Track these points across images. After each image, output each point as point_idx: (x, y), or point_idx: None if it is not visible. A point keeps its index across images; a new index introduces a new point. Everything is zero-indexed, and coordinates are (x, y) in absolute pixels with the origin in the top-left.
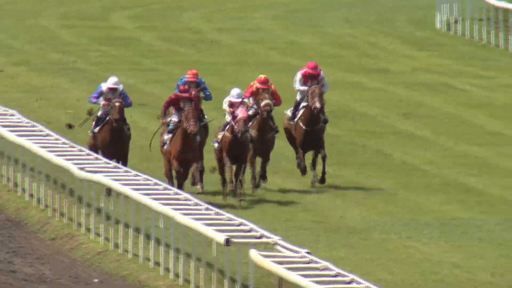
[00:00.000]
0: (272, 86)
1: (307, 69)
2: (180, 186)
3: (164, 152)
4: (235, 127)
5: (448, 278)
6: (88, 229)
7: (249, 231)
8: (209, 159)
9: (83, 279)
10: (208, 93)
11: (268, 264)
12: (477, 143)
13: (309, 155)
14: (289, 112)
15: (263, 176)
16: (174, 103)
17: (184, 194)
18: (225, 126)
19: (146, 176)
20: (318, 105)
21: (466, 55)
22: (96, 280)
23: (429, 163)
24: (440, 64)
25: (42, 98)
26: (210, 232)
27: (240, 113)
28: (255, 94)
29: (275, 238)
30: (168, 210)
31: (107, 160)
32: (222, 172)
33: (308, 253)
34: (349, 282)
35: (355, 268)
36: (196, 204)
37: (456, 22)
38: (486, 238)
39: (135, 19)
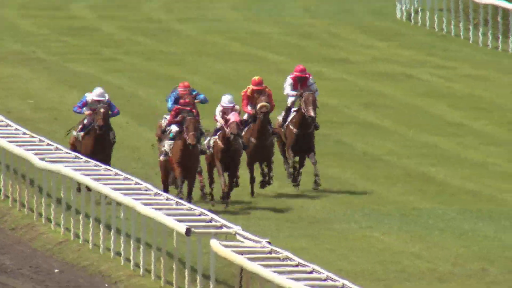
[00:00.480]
0: (267, 89)
1: (296, 73)
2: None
3: (162, 163)
4: (227, 130)
5: (408, 268)
6: (48, 219)
7: (210, 221)
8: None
9: (44, 269)
10: (202, 97)
11: (229, 254)
12: (438, 133)
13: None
14: (280, 118)
15: (268, 181)
16: (176, 116)
17: (144, 184)
18: (216, 131)
19: (106, 167)
20: (312, 113)
21: (426, 45)
22: (57, 270)
23: (390, 153)
24: (401, 54)
25: (2, 88)
26: (170, 222)
27: (232, 117)
28: (251, 98)
29: (236, 228)
30: (129, 200)
31: (68, 150)
32: (210, 171)
33: (269, 243)
34: (310, 272)
35: (316, 258)
36: (157, 194)
37: (416, 12)
38: (447, 228)
39: (96, 9)
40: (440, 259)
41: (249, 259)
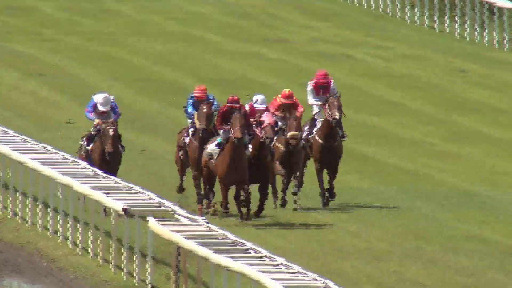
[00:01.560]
0: (297, 101)
1: (317, 79)
2: (227, 206)
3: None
4: (262, 133)
5: (346, 247)
6: None
7: (147, 199)
8: None
9: None
10: (216, 104)
11: (166, 232)
12: (376, 113)
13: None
14: (304, 129)
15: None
16: (225, 116)
17: (82, 164)
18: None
19: (44, 146)
20: (337, 115)
21: (364, 25)
22: None
23: None
24: (339, 34)
25: None
26: (108, 201)
27: (266, 119)
28: (280, 108)
29: (173, 207)
30: (66, 179)
31: (6, 129)
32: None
33: (206, 221)
34: (247, 250)
35: (253, 237)
36: (95, 173)
37: None
38: (384, 208)
39: None
40: (377, 238)
41: (186, 237)
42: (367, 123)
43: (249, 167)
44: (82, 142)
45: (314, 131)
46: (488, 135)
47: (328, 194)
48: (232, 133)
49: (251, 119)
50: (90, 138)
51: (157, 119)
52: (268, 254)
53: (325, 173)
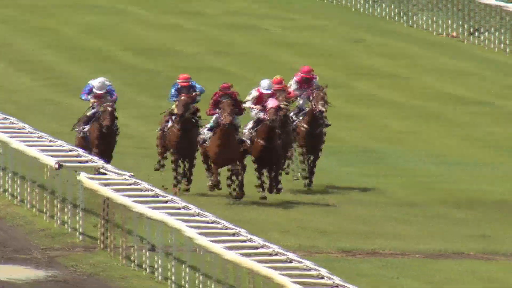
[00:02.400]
0: (286, 86)
1: (302, 74)
2: (217, 183)
3: (203, 147)
4: (266, 116)
5: (256, 198)
6: None
7: (78, 156)
8: None
9: None
10: (199, 87)
11: (95, 185)
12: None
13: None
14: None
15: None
16: (217, 102)
17: (20, 123)
18: (257, 123)
19: None
20: (321, 108)
21: None
22: None
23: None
24: (248, 7)
25: None
26: (43, 157)
27: (271, 102)
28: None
29: (102, 163)
30: (4, 138)
31: None
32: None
33: (131, 176)
34: (167, 202)
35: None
36: (31, 132)
37: None
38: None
39: None
40: (287, 190)
41: (112, 190)
42: None
43: (261, 152)
44: (78, 128)
45: (299, 119)
46: (384, 98)
47: (309, 173)
48: (222, 118)
49: (259, 106)
50: (87, 120)
51: (85, 83)
52: (187, 205)
53: None
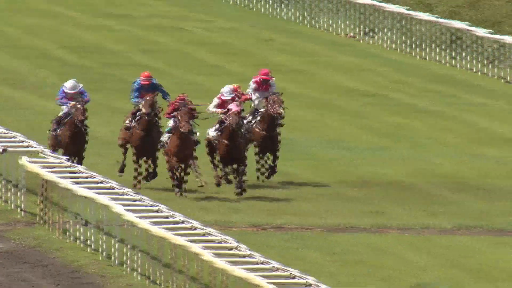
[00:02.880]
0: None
1: (260, 76)
2: (179, 182)
3: (166, 151)
4: (228, 120)
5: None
6: None
7: (20, 142)
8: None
9: None
10: (165, 93)
11: (35, 168)
12: (200, 73)
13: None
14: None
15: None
16: (174, 109)
17: None
18: (220, 124)
19: None
20: (280, 110)
21: (190, 3)
22: None
23: None
24: (170, 10)
25: None
26: None
27: (233, 106)
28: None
29: (41, 148)
30: None
31: None
32: (213, 163)
33: (67, 159)
34: (98, 182)
35: (114, 177)
36: None
37: None
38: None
39: None
40: (207, 174)
41: (50, 172)
42: (192, 81)
43: (226, 151)
44: (51, 129)
45: (255, 122)
46: (291, 91)
47: (271, 170)
48: (180, 127)
49: (221, 110)
50: (59, 121)
51: (26, 78)
52: (116, 185)
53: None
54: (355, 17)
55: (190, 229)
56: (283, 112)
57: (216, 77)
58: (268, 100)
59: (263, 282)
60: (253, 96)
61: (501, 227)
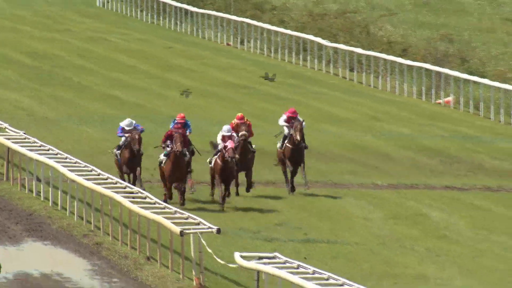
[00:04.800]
0: (247, 121)
1: (289, 114)
2: (170, 194)
3: (161, 168)
4: (226, 154)
5: None
6: None
7: None
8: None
9: None
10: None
11: (1, 139)
12: (121, 71)
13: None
14: (278, 144)
15: (250, 185)
16: (170, 136)
17: None
18: (217, 153)
19: None
20: (298, 138)
21: (114, 21)
22: None
23: (63, 85)
24: (100, 26)
25: None
26: None
27: (229, 144)
28: (235, 127)
29: (6, 125)
30: None
31: None
32: (212, 182)
33: (24, 133)
34: (48, 150)
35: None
36: None
37: (108, 1)
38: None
39: None
40: None
41: (13, 142)
42: (117, 78)
43: (221, 173)
44: (115, 151)
45: (285, 143)
46: (186, 85)
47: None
48: (175, 148)
49: (222, 143)
50: (119, 147)
51: None
52: (59, 152)
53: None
54: (231, 30)
55: (115, 183)
56: (299, 138)
57: (133, 75)
58: (293, 127)
59: (166, 222)
60: (284, 127)
61: (337, 182)
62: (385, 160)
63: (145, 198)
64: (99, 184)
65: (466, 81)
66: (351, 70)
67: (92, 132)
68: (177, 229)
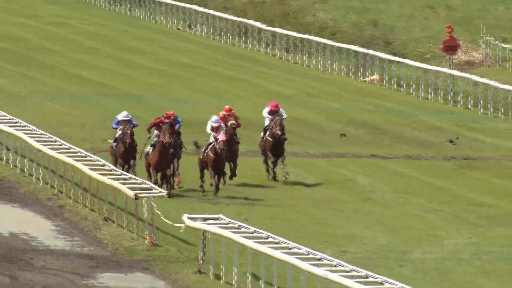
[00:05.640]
0: (234, 113)
1: (271, 107)
2: (157, 182)
3: (147, 159)
4: (217, 146)
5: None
6: None
7: None
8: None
9: None
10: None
11: None
12: (81, 53)
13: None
14: (261, 135)
15: (234, 174)
16: (157, 125)
17: None
18: (208, 145)
19: None
20: (278, 132)
21: (77, 7)
22: None
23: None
24: (64, 13)
25: None
26: None
27: (220, 136)
28: (223, 119)
29: None
30: None
31: None
32: (201, 174)
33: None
34: (16, 122)
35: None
36: None
37: None
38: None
39: None
40: None
41: None
42: (77, 58)
43: (214, 165)
44: (111, 142)
45: (266, 135)
46: (144, 65)
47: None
48: (163, 138)
49: (214, 133)
50: (115, 139)
51: None
52: (27, 124)
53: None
54: (180, 16)
55: (76, 152)
56: (279, 134)
57: (93, 55)
58: (273, 122)
59: (122, 187)
60: (266, 119)
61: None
62: (318, 131)
63: (103, 165)
64: (62, 153)
65: (390, 61)
66: (287, 51)
67: (57, 107)
68: (131, 193)
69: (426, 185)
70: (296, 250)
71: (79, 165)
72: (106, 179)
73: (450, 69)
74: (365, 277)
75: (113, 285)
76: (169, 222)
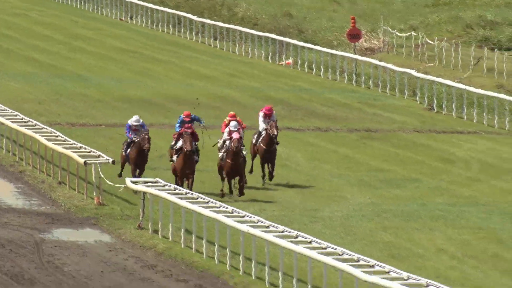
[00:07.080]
0: (238, 118)
1: (265, 111)
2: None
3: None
4: (232, 145)
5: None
6: None
7: None
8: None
9: None
10: (197, 118)
11: None
12: (37, 40)
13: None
14: (253, 139)
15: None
16: (180, 135)
17: None
18: (226, 150)
19: None
20: (275, 132)
21: (34, 1)
22: None
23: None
24: (22, 5)
25: None
26: None
27: (235, 135)
28: (228, 124)
29: None
30: None
31: None
32: (222, 176)
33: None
34: (12, 113)
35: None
36: None
37: None
38: None
39: None
40: None
41: None
42: (33, 44)
43: (231, 168)
44: (123, 148)
45: (260, 140)
46: (88, 50)
47: (270, 176)
48: (185, 147)
49: (228, 136)
50: (128, 144)
51: None
52: (7, 108)
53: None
54: (123, 8)
55: (34, 125)
56: (276, 133)
57: (47, 42)
58: (269, 125)
59: (74, 154)
60: (260, 123)
61: (206, 124)
62: (240, 107)
63: (57, 136)
64: (22, 125)
65: (302, 47)
66: (215, 39)
67: (16, 86)
68: (81, 160)
69: (334, 154)
70: (222, 209)
71: (37, 136)
72: (59, 148)
73: (354, 54)
74: (281, 231)
75: (66, 238)
76: (110, 183)
